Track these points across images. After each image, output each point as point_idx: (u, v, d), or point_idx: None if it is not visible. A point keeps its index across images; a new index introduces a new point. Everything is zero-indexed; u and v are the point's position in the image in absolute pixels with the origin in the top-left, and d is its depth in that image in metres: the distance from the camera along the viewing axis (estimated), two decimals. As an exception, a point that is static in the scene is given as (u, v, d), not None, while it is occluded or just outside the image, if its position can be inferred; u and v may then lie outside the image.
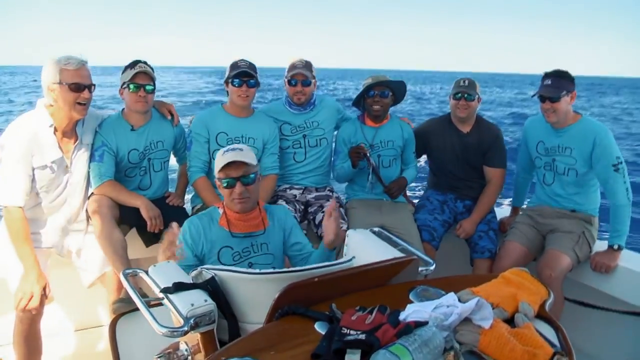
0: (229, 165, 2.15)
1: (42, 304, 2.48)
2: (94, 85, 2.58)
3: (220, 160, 2.18)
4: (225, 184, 2.18)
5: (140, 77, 2.77)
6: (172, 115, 3.08)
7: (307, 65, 3.19)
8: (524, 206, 3.45)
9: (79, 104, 2.51)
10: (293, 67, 3.18)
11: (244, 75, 2.95)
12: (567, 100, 2.87)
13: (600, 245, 2.98)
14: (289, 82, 3.20)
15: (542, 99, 2.90)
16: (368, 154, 3.09)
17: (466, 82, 3.19)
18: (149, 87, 2.80)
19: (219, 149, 2.99)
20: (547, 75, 2.93)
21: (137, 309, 2.07)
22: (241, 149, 2.21)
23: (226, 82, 3.02)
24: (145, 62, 2.82)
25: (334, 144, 3.42)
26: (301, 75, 3.16)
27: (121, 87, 2.82)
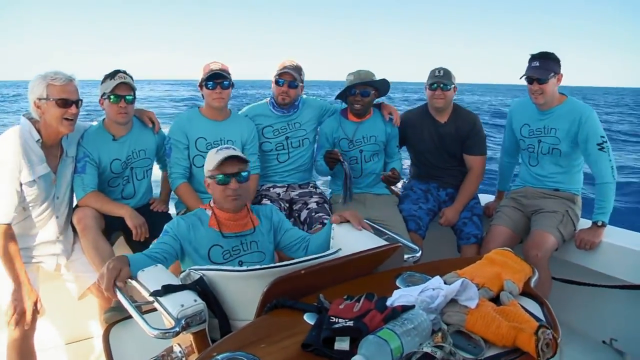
0: (224, 162, 2.15)
1: (34, 319, 2.46)
2: (81, 100, 2.58)
3: (214, 157, 2.18)
4: (219, 181, 2.17)
5: (120, 88, 2.76)
6: (153, 122, 3.07)
7: (297, 68, 3.16)
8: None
9: (66, 119, 2.50)
10: (283, 67, 3.14)
11: (217, 77, 2.96)
12: (554, 82, 2.91)
13: (584, 224, 3.02)
14: (276, 82, 3.17)
15: (530, 80, 2.93)
16: (342, 159, 3.08)
17: (441, 72, 3.21)
18: (129, 98, 2.80)
19: (198, 155, 2.99)
20: (534, 57, 2.95)
21: (129, 317, 2.08)
22: (234, 149, 2.23)
23: (200, 85, 3.02)
24: (125, 72, 2.82)
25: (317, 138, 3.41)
26: (289, 76, 3.14)
27: (101, 97, 2.81)
